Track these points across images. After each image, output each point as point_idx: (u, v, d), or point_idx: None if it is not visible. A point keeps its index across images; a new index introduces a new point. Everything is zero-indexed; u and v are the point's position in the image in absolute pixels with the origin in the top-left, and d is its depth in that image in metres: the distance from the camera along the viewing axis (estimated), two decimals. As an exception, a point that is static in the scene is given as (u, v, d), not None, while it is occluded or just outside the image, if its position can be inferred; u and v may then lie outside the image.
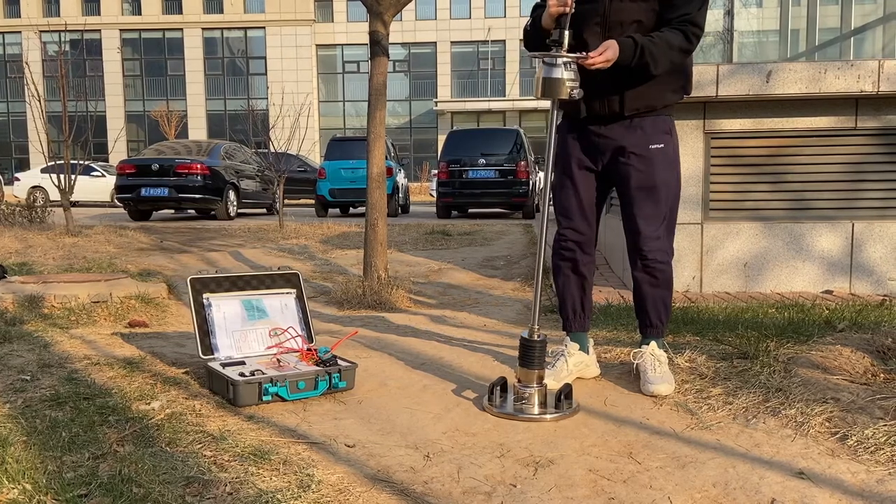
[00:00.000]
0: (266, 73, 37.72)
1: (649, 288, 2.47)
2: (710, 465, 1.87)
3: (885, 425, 2.01)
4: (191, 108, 37.80)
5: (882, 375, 2.47)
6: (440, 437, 2.08)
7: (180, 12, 37.82)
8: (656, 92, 2.37)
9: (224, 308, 2.69)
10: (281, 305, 2.81)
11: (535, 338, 2.29)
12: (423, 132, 38.48)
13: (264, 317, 2.75)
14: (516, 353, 2.36)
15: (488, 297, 4.80)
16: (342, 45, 38.42)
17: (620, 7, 2.29)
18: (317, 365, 2.49)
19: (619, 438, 2.06)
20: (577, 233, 2.52)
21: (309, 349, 2.61)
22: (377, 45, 4.49)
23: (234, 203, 12.53)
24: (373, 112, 4.53)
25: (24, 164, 34.86)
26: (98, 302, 3.80)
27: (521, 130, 13.31)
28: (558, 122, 2.46)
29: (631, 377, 2.58)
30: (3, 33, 38.19)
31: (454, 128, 16.51)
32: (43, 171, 17.57)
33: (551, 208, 2.50)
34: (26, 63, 8.97)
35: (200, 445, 1.94)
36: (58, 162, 8.56)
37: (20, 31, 36.95)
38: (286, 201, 17.38)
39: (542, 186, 2.39)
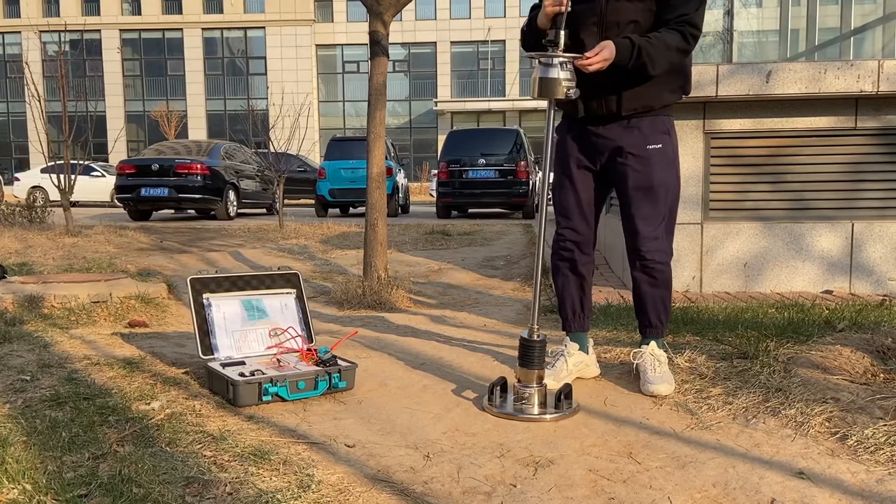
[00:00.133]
0: (266, 73, 37.73)
1: (648, 288, 2.47)
2: (710, 465, 1.87)
3: (885, 425, 2.01)
4: (191, 108, 37.80)
5: (882, 375, 2.47)
6: (440, 437, 2.08)
7: (180, 12, 37.82)
8: (654, 92, 2.37)
9: (224, 308, 2.69)
10: (281, 305, 2.81)
11: (535, 338, 2.29)
12: (422, 132, 38.48)
13: (264, 317, 2.75)
14: (516, 353, 2.36)
15: (488, 297, 4.80)
16: (342, 45, 38.43)
17: (617, 7, 2.29)
18: (317, 365, 2.49)
19: (619, 438, 2.06)
20: (575, 233, 2.52)
21: (309, 349, 2.61)
22: (377, 45, 4.49)
23: (234, 203, 12.53)
24: (373, 112, 4.53)
25: (23, 164, 34.86)
26: (98, 302, 3.80)
27: (521, 130, 13.31)
28: (557, 122, 2.46)
29: (631, 377, 2.58)
30: (2, 33, 38.20)
31: (454, 128, 16.51)
32: (43, 171, 17.56)
33: (550, 208, 2.50)
34: (26, 63, 8.97)
35: (200, 445, 1.94)
36: (58, 162, 8.56)
37: (20, 31, 36.95)
38: (286, 201, 17.38)
39: (541, 186, 2.39)
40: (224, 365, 2.46)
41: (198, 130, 37.64)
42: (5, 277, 4.40)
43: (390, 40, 4.93)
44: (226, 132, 36.82)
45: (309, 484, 1.73)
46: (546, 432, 2.12)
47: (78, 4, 37.58)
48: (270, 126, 13.56)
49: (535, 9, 2.42)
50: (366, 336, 3.40)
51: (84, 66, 35.86)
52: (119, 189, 11.90)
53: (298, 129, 11.88)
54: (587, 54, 2.21)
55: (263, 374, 2.38)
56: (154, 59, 38.27)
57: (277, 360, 2.57)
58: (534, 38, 2.38)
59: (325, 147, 16.40)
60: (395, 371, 2.76)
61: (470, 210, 14.71)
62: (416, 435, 2.10)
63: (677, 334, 3.10)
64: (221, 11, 37.73)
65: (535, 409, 2.26)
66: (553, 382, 2.44)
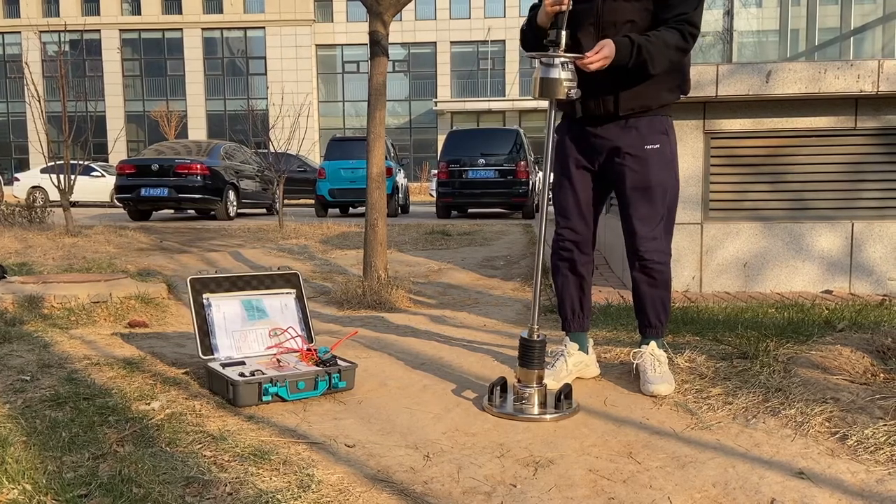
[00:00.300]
0: (266, 74, 37.73)
1: (647, 288, 2.47)
2: (710, 465, 1.87)
3: (885, 425, 2.01)
4: (191, 108, 37.80)
5: (882, 375, 2.47)
6: (440, 437, 2.09)
7: (180, 12, 37.82)
8: (652, 92, 2.36)
9: (224, 308, 2.69)
10: (281, 305, 2.81)
11: (535, 338, 2.29)
12: (422, 132, 38.48)
13: (264, 317, 2.75)
14: (516, 353, 2.36)
15: (488, 297, 4.80)
16: (342, 45, 38.43)
17: (614, 7, 2.29)
18: (317, 365, 2.49)
19: (618, 438, 2.06)
20: (574, 233, 2.53)
21: (309, 349, 2.61)
22: (377, 45, 4.49)
23: (234, 203, 12.53)
24: (372, 112, 4.53)
25: (23, 165, 34.86)
26: (98, 302, 3.80)
27: (521, 130, 13.31)
28: (557, 123, 2.46)
29: (631, 377, 2.58)
30: (2, 33, 38.19)
31: (454, 128, 16.51)
32: (43, 171, 17.57)
33: (551, 208, 2.50)
34: (26, 63, 8.97)
35: (200, 445, 1.94)
36: (57, 162, 8.56)
37: (20, 32, 36.95)
38: (286, 201, 17.38)
39: (541, 186, 2.39)
40: (224, 365, 2.46)
41: (198, 130, 37.64)
42: (5, 277, 4.40)
43: (390, 40, 4.93)
44: (226, 132, 36.82)
45: (309, 484, 1.73)
46: (546, 432, 2.12)
47: (78, 4, 37.58)
48: (270, 126, 13.56)
49: (535, 8, 2.42)
50: (366, 336, 3.40)
51: (84, 66, 35.86)
52: (119, 189, 11.90)
53: (298, 129, 11.89)
54: (588, 54, 2.21)
55: (263, 374, 2.38)
56: (154, 59, 38.27)
57: (277, 360, 2.57)
58: (534, 37, 2.39)
59: (325, 147, 16.40)
60: (395, 371, 2.76)
61: (470, 210, 14.71)
62: (416, 435, 2.10)
63: (677, 334, 3.10)
64: (221, 11, 37.73)
65: (535, 409, 2.26)
66: (553, 382, 2.44)
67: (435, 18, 37.94)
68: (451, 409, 2.32)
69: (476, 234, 8.36)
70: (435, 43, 38.07)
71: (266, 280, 2.83)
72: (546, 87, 2.21)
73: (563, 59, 2.20)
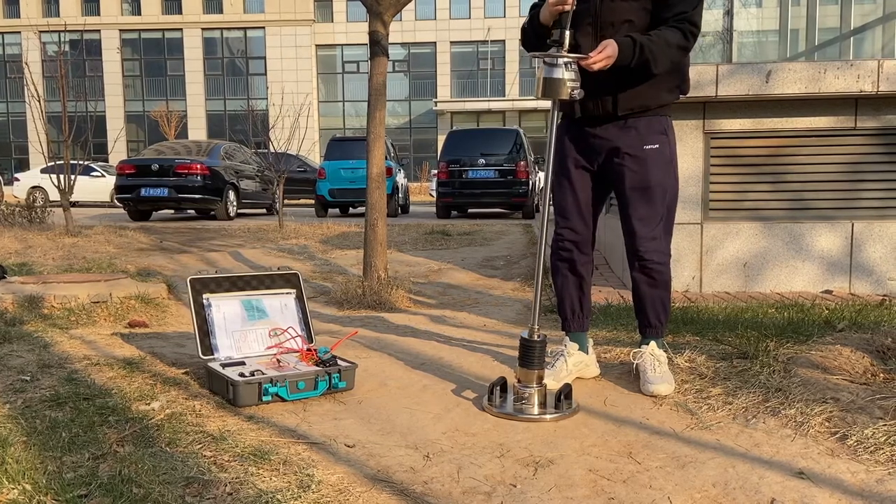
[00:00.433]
0: (266, 74, 37.73)
1: (647, 288, 2.47)
2: (710, 465, 1.87)
3: (885, 425, 2.01)
4: (190, 108, 37.80)
5: (882, 375, 2.47)
6: (440, 437, 2.09)
7: (180, 12, 37.82)
8: (651, 92, 2.36)
9: (224, 308, 2.69)
10: (281, 305, 2.81)
11: (535, 338, 2.29)
12: (422, 132, 38.49)
13: (264, 317, 2.75)
14: (516, 353, 2.36)
15: (488, 297, 4.80)
16: (342, 45, 38.43)
17: (612, 7, 2.29)
18: (317, 365, 2.49)
19: (618, 438, 2.06)
20: (574, 233, 2.53)
21: (309, 349, 2.61)
22: (377, 45, 4.49)
23: (234, 203, 12.53)
24: (372, 112, 4.53)
25: (23, 165, 34.86)
26: (98, 302, 3.80)
27: (521, 130, 13.32)
28: (558, 123, 2.46)
29: (631, 377, 2.58)
30: (2, 33, 38.19)
31: (454, 128, 16.51)
32: (43, 171, 17.57)
33: (551, 208, 2.50)
34: (26, 63, 8.97)
35: (200, 446, 1.94)
36: (57, 162, 8.56)
37: (20, 32, 36.95)
38: (286, 201, 17.38)
39: (541, 186, 2.39)
40: (224, 365, 2.46)
41: (198, 130, 37.64)
42: (5, 277, 4.40)
43: (390, 40, 4.93)
44: (226, 132, 36.82)
45: (309, 484, 1.73)
46: (546, 432, 2.12)
47: (78, 4, 37.58)
48: (270, 126, 13.55)
49: (535, 8, 2.42)
50: (366, 336, 3.40)
51: (84, 66, 35.86)
52: (119, 189, 11.90)
53: (298, 130, 11.89)
54: (591, 54, 2.21)
55: (263, 374, 2.38)
56: (154, 59, 38.27)
57: (277, 360, 2.57)
58: (535, 36, 2.39)
59: (325, 147, 16.40)
60: (395, 371, 2.76)
61: (470, 210, 14.71)
62: (416, 435, 2.10)
63: (677, 334, 3.10)
64: (221, 11, 37.74)
65: (535, 409, 2.26)
66: (553, 382, 2.44)
67: (435, 18, 37.94)
68: (451, 409, 2.32)
69: (476, 234, 8.36)
70: (435, 43, 38.07)
71: (266, 280, 2.83)
72: (550, 88, 2.20)
73: (566, 60, 2.20)
